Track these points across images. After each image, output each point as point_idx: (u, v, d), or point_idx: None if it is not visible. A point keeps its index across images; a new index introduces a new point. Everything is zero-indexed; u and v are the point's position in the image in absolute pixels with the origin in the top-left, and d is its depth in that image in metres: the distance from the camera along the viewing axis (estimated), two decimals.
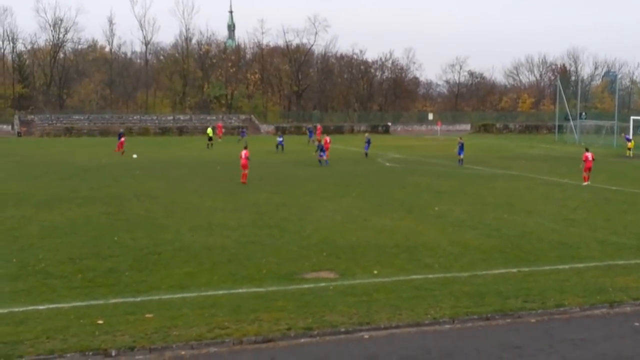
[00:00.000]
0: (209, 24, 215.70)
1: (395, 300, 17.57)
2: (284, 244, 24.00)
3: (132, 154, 56.56)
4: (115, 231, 25.92)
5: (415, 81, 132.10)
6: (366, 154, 58.44)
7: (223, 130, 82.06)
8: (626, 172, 47.60)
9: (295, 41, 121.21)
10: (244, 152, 39.48)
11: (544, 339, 15.38)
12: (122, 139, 61.34)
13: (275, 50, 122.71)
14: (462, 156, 51.68)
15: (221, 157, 58.12)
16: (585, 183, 39.98)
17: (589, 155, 41.02)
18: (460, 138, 54.08)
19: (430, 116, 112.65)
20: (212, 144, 67.79)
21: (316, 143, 58.31)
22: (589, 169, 40.65)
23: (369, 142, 59.18)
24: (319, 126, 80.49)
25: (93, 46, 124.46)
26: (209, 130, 70.97)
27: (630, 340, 15.37)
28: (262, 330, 15.39)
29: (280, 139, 65.48)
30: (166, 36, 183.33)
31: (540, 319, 16.73)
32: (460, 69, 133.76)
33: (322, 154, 50.83)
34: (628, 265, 21.39)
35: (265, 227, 26.84)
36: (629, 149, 64.19)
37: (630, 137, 66.63)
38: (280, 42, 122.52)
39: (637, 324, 16.47)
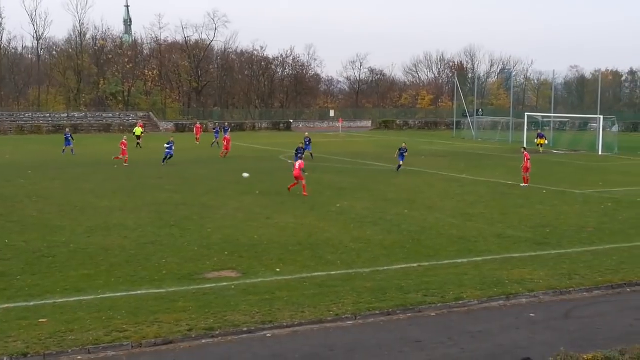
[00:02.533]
0: (104, 19, 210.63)
1: (298, 297, 17.55)
2: (184, 243, 23.62)
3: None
4: (6, 234, 24.91)
5: (317, 78, 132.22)
6: (311, 155, 53.55)
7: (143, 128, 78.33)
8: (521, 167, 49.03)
9: (194, 37, 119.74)
10: (298, 163, 35.02)
11: (444, 332, 15.63)
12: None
13: (173, 46, 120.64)
14: (401, 162, 45.46)
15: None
16: (525, 185, 38.53)
17: (528, 154, 40.05)
18: (404, 144, 47.48)
19: (332, 113, 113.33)
20: (139, 144, 65.15)
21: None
22: (528, 169, 39.23)
23: (309, 141, 54.75)
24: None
25: None
26: (137, 130, 68.38)
27: (526, 331, 15.79)
28: (162, 332, 15.10)
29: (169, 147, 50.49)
30: (59, 31, 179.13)
31: (440, 313, 17.03)
32: (361, 65, 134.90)
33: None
34: (523, 257, 22.03)
35: (165, 227, 26.35)
36: (539, 145, 65.56)
37: (544, 134, 68.29)
38: (179, 38, 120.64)
39: (532, 315, 16.95)
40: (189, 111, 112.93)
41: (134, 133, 67.61)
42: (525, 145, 68.04)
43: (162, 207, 30.90)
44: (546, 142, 66.36)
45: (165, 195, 34.17)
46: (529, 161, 39.26)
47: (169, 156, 48.76)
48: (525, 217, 29.04)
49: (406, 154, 46.28)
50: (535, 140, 66.56)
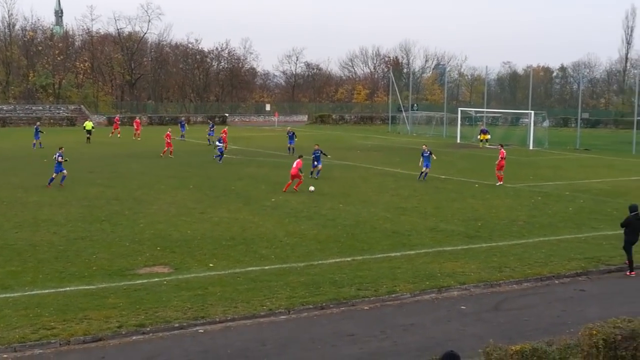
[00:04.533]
0: (34, 10, 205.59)
1: (231, 293, 17.45)
2: (115, 239, 23.24)
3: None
4: None
5: (253, 72, 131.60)
6: (292, 149, 51.77)
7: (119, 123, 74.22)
8: (455, 161, 49.74)
9: (127, 29, 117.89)
10: (296, 162, 34.25)
11: (377, 326, 15.73)
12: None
13: (106, 38, 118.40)
14: (428, 169, 38.83)
15: (50, 150, 55.61)
16: (500, 183, 37.26)
17: (505, 151, 38.62)
18: (425, 146, 40.62)
19: (268, 107, 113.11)
20: (89, 138, 62.89)
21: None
22: (502, 167, 37.87)
23: (292, 135, 53.56)
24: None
25: None
26: (88, 124, 66.14)
27: (457, 324, 16.01)
28: (92, 329, 14.86)
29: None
30: None
31: (373, 306, 17.13)
32: (297, 60, 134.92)
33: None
34: (455, 251, 22.32)
35: (96, 222, 25.88)
36: (483, 140, 66.04)
37: (487, 129, 68.96)
38: (112, 30, 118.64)
39: (463, 307, 17.19)
40: (122, 104, 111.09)
41: (84, 127, 65.52)
42: (460, 140, 69.45)
43: (93, 201, 30.33)
44: (489, 137, 67.00)
45: (96, 190, 33.54)
46: (503, 159, 37.94)
47: (221, 154, 47.38)
48: (458, 211, 29.42)
49: (434, 157, 39.86)
50: (479, 136, 67.35)
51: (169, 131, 53.44)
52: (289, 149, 52.80)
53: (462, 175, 40.11)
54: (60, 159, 34.62)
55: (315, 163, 39.19)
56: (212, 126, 64.60)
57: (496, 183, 37.44)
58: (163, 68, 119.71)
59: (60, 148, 35.48)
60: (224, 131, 54.67)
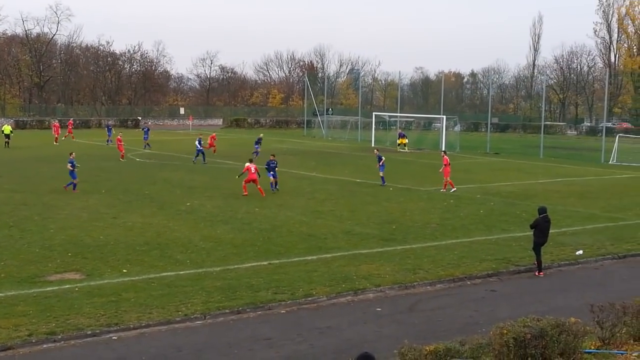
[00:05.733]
0: None
1: (146, 298, 17.19)
2: (24, 245, 22.60)
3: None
4: None
5: (166, 75, 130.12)
6: (257, 153, 50.40)
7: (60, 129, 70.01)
8: (370, 165, 50.12)
9: (35, 30, 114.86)
10: (253, 166, 33.92)
11: (294, 329, 15.77)
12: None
13: (13, 39, 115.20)
14: (382, 173, 39.07)
15: None
16: (453, 189, 36.72)
17: (447, 158, 37.91)
18: (377, 150, 40.59)
19: (182, 110, 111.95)
20: (8, 143, 60.35)
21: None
22: (448, 173, 37.16)
23: (258, 141, 53.44)
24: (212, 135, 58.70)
25: None
26: (6, 128, 63.32)
27: (373, 325, 16.19)
28: (0, 338, 14.51)
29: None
30: None
31: (289, 310, 17.16)
32: (211, 63, 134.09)
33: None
34: (371, 253, 22.55)
35: (4, 228, 25.09)
36: (401, 144, 66.77)
37: (404, 134, 69.81)
38: (19, 31, 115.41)
39: (379, 309, 17.39)
40: (30, 107, 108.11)
41: (3, 131, 62.98)
42: (374, 144, 70.22)
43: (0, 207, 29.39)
44: (407, 141, 67.81)
45: (3, 195, 32.51)
46: (449, 165, 37.33)
47: (201, 154, 48.78)
48: (373, 214, 29.73)
49: (380, 162, 39.09)
50: (397, 141, 68.22)
51: (120, 135, 53.15)
52: (255, 152, 51.64)
53: (377, 179, 40.50)
54: (70, 165, 34.08)
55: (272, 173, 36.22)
56: (147, 130, 63.47)
57: (450, 189, 36.94)
58: (73, 70, 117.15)
59: (71, 154, 34.67)
60: (213, 136, 54.03)
